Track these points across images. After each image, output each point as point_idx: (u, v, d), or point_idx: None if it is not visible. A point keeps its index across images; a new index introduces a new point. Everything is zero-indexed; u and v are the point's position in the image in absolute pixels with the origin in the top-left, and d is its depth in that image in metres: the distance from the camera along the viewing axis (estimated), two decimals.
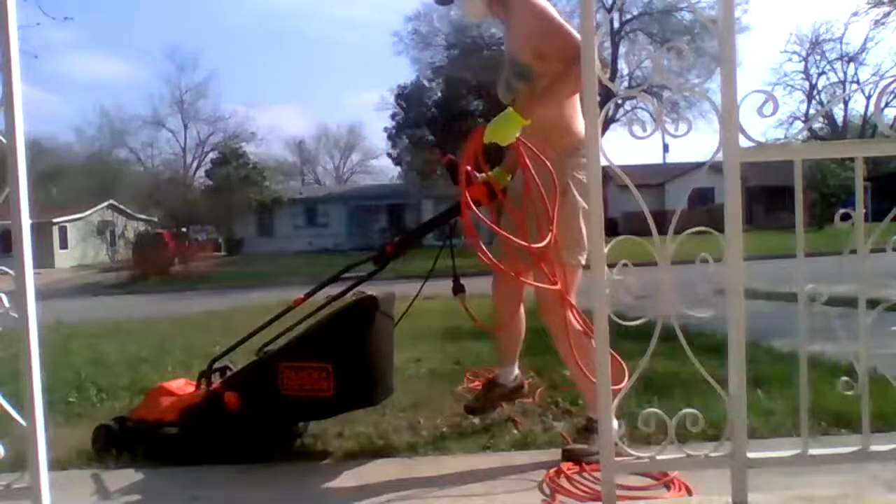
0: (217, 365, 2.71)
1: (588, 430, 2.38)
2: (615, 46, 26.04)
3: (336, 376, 2.40)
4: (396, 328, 2.69)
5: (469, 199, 2.19)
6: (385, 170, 44.55)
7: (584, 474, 2.11)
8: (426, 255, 2.79)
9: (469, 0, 2.51)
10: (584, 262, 2.38)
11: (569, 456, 2.27)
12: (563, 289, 2.29)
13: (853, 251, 1.67)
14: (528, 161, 2.27)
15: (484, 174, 2.44)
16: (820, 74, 37.64)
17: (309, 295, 2.65)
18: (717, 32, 1.65)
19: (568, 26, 2.29)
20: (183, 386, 2.79)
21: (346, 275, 2.68)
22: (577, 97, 2.32)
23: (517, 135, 2.23)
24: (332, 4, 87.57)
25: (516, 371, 2.86)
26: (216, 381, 2.63)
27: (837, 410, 2.49)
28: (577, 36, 2.14)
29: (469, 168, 2.30)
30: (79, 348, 5.58)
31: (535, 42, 2.33)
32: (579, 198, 2.34)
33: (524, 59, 2.37)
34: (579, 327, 2.34)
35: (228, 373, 2.70)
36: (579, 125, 2.32)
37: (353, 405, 2.55)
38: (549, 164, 2.27)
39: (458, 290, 2.51)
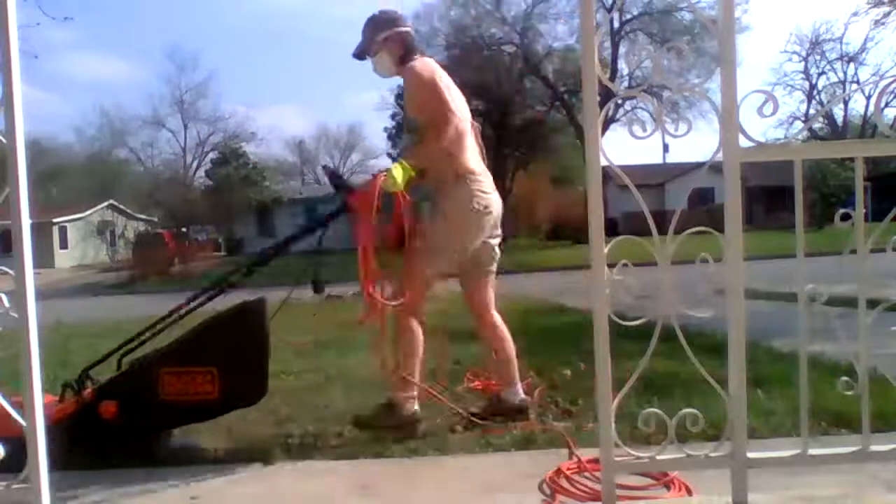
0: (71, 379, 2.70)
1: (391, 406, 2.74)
2: (615, 46, 25.99)
3: (221, 378, 2.47)
4: None
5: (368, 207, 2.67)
6: None
7: (585, 474, 2.11)
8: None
9: (379, 61, 2.94)
10: (435, 273, 2.88)
11: (358, 422, 2.72)
12: (415, 288, 2.78)
13: (853, 251, 1.67)
14: (402, 199, 2.78)
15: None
16: (820, 74, 37.59)
17: (191, 300, 2.79)
18: (717, 32, 1.65)
19: (446, 97, 2.75)
20: None
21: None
22: (462, 139, 2.81)
23: (403, 183, 2.67)
24: (332, 4, 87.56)
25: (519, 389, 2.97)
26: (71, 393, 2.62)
27: (837, 410, 2.49)
28: (451, 106, 2.72)
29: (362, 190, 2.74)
30: (79, 348, 5.57)
31: (416, 106, 2.90)
32: (458, 217, 2.79)
33: (411, 115, 2.94)
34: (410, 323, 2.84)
35: (90, 382, 2.69)
36: (465, 158, 2.83)
37: (236, 406, 2.62)
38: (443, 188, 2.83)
39: (318, 289, 2.82)
